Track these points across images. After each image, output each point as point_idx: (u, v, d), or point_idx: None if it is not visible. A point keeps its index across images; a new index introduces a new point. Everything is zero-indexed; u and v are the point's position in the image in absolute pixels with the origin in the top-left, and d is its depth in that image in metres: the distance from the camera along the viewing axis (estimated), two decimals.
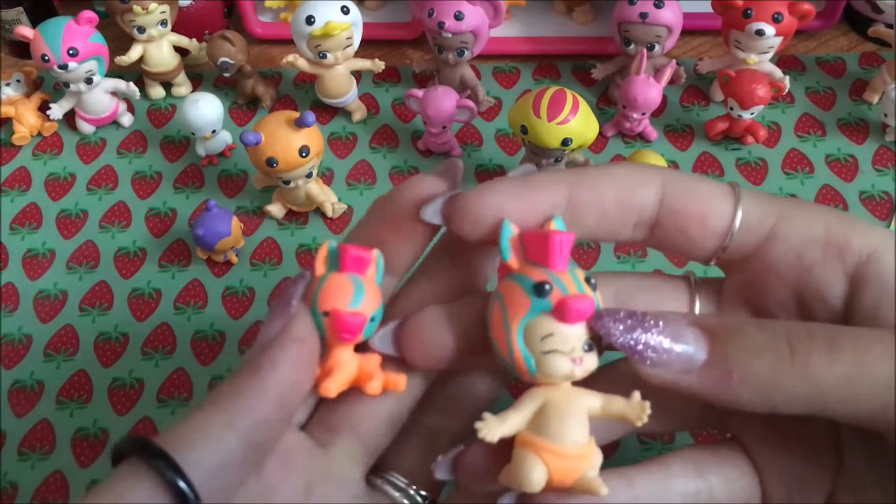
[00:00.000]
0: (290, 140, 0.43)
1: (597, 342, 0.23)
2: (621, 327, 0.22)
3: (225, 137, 0.52)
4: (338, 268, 0.24)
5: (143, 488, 0.20)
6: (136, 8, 0.51)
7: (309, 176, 0.46)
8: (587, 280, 0.23)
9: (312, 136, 0.44)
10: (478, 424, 0.22)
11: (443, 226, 0.25)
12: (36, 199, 0.51)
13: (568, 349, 0.22)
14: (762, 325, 0.23)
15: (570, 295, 0.22)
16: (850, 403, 0.22)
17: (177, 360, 0.44)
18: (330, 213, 0.48)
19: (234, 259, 0.47)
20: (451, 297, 0.26)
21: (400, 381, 0.25)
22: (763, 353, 0.22)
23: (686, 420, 0.28)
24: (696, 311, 0.26)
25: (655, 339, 0.22)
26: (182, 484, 0.20)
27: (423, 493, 0.28)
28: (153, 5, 0.51)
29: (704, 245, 0.25)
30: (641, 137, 0.53)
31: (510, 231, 0.23)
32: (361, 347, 0.25)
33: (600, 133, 0.51)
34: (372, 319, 0.24)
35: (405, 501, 0.27)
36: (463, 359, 0.25)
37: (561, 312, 0.22)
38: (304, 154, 0.43)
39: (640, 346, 0.22)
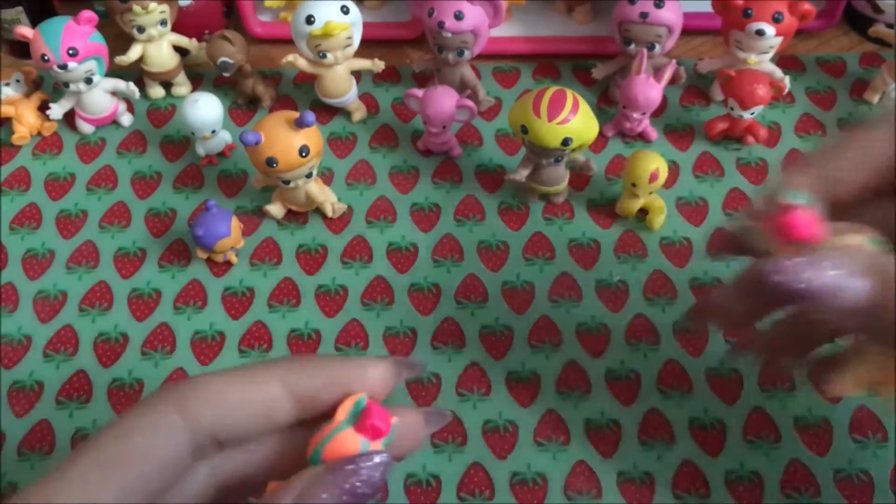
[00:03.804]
0: (289, 140, 0.43)
1: None
2: None
3: (225, 137, 0.52)
4: (355, 423, 0.23)
5: None
6: (136, 7, 0.51)
7: (309, 176, 0.46)
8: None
9: (312, 136, 0.44)
10: None
11: None
12: (36, 199, 0.51)
13: None
14: None
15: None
16: None
17: (176, 360, 0.44)
18: (330, 214, 0.48)
19: (234, 259, 0.47)
20: None
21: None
22: None
23: None
24: None
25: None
26: None
27: None
28: (153, 5, 0.51)
29: None
30: (642, 137, 0.53)
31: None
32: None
33: (600, 133, 0.51)
34: None
35: None
36: None
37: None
38: (303, 154, 0.43)
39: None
